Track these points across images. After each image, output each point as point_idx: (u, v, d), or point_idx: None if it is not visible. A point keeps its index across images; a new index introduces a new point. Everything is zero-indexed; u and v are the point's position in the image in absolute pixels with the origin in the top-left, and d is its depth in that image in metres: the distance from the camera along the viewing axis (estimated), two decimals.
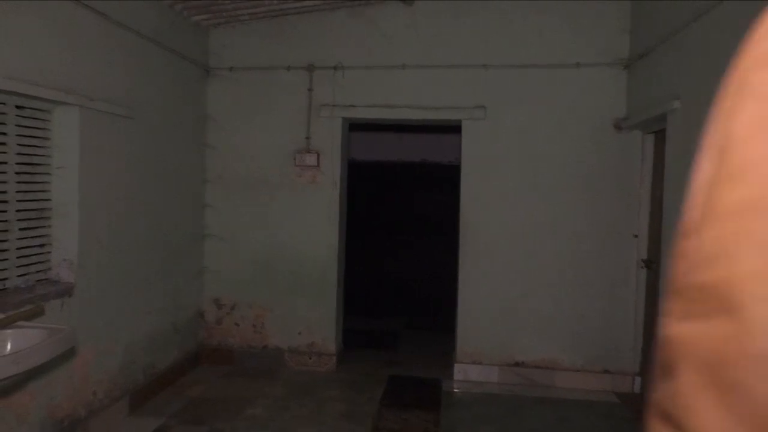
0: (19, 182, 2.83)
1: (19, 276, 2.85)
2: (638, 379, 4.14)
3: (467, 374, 4.43)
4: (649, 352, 3.83)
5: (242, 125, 4.66)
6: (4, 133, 2.71)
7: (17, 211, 2.82)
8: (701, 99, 2.92)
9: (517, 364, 4.40)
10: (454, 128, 4.65)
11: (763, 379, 0.26)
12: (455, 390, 4.31)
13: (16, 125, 2.78)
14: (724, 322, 0.29)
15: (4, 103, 2.68)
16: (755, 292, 0.27)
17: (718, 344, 0.29)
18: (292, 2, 4.25)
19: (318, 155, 4.56)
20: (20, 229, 2.85)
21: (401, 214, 6.97)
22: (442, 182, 6.47)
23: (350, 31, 4.51)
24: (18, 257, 2.84)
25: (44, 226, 3.03)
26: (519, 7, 4.32)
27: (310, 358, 4.64)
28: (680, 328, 0.31)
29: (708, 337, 0.30)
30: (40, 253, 3.01)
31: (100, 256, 3.32)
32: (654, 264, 3.89)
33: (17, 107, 2.78)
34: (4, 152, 2.72)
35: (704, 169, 0.32)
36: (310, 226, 4.61)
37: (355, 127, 5.08)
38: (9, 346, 2.32)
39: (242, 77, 4.63)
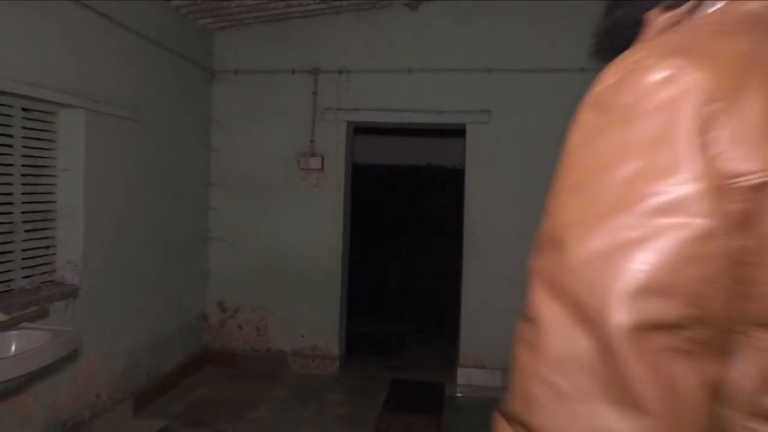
0: (24, 184, 2.84)
1: (24, 277, 2.86)
2: None
3: (470, 378, 4.42)
4: None
5: (246, 128, 4.67)
6: (10, 135, 2.72)
7: (23, 212, 2.84)
8: None
9: None
10: (458, 132, 4.65)
11: (575, 282, 0.48)
12: (458, 394, 4.30)
13: (21, 127, 2.79)
14: (557, 254, 0.50)
15: (10, 106, 2.69)
16: (571, 235, 0.50)
17: (554, 267, 0.51)
18: (298, 6, 4.26)
19: (322, 158, 4.56)
20: (25, 231, 2.86)
21: (405, 217, 6.96)
22: (444, 185, 6.48)
23: (355, 34, 4.52)
24: (23, 259, 2.85)
25: (49, 228, 3.04)
26: (524, 12, 4.32)
27: (314, 361, 4.64)
28: (536, 263, 0.54)
29: (549, 264, 0.52)
30: (45, 255, 3.02)
31: (105, 258, 3.33)
32: None
33: (23, 109, 2.79)
34: (10, 154, 2.73)
35: (558, 169, 0.56)
36: (314, 228, 4.61)
37: (359, 130, 5.08)
38: (13, 348, 2.32)
39: (247, 80, 4.64)
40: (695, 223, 0.44)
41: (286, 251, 4.64)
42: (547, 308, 0.50)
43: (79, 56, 3.05)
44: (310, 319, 4.63)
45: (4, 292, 2.72)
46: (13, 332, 2.35)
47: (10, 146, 2.72)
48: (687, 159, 0.45)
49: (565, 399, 0.47)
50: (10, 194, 2.74)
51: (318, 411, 3.90)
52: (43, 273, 3.01)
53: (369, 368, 4.78)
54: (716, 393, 0.46)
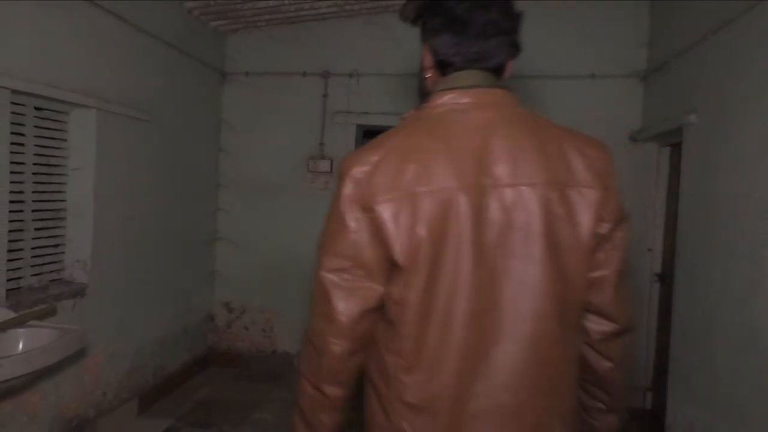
0: (35, 182, 2.86)
1: (33, 275, 2.87)
2: (650, 395, 4.09)
3: None
4: (661, 367, 3.79)
5: (256, 130, 4.69)
6: (23, 134, 2.74)
7: (33, 211, 2.85)
8: (717, 114, 2.89)
9: None
10: None
11: (319, 260, 1.10)
12: None
13: (34, 126, 2.81)
14: (319, 251, 1.09)
15: (23, 105, 2.71)
16: (321, 241, 1.09)
17: (318, 256, 1.10)
18: (309, 9, 4.27)
19: (331, 161, 4.57)
20: (35, 229, 2.88)
21: None
22: None
23: (366, 38, 4.52)
24: (32, 257, 2.87)
25: (59, 227, 3.06)
26: (534, 18, 4.27)
27: None
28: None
29: (318, 254, 1.11)
30: (54, 254, 3.04)
31: (113, 257, 3.35)
32: (668, 278, 3.84)
33: (36, 108, 2.81)
34: (22, 153, 2.75)
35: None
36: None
37: (368, 133, 5.08)
38: (21, 345, 2.34)
39: (258, 82, 4.65)
40: (351, 225, 1.02)
41: (293, 253, 4.64)
42: (317, 274, 1.07)
43: (91, 56, 3.07)
44: None
45: (13, 289, 2.73)
46: (21, 330, 2.37)
47: (22, 144, 2.74)
48: (348, 200, 1.03)
49: (314, 313, 1.08)
50: (21, 192, 2.76)
51: None
52: (51, 271, 3.03)
53: None
54: (380, 297, 1.03)
